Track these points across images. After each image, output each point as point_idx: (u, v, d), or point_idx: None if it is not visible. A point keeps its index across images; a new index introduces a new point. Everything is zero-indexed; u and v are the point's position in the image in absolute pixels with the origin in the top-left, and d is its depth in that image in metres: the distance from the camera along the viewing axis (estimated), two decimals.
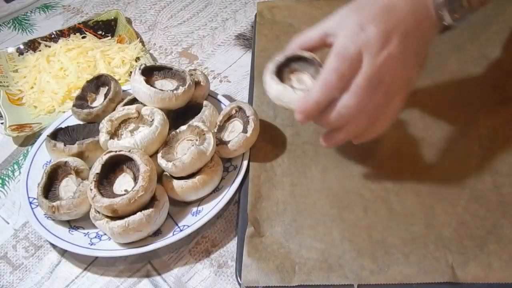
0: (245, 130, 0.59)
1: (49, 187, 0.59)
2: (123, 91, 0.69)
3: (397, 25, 0.48)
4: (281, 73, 0.52)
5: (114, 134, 0.59)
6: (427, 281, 0.47)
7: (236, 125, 0.62)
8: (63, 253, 0.58)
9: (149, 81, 0.61)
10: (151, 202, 0.54)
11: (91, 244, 0.55)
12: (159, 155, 0.57)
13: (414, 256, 0.49)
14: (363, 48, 0.47)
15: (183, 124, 0.60)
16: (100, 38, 0.85)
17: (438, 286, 0.48)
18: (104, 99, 0.65)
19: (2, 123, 0.72)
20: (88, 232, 0.56)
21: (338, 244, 0.50)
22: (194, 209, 0.57)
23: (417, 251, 0.49)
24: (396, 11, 0.49)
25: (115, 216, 0.53)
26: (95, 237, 0.56)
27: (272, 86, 0.51)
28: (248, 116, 0.60)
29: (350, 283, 0.47)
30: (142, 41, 0.84)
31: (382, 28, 0.48)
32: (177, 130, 0.59)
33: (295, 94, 0.50)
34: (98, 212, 0.54)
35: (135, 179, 0.54)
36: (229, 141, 0.59)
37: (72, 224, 0.58)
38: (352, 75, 0.47)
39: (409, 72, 0.50)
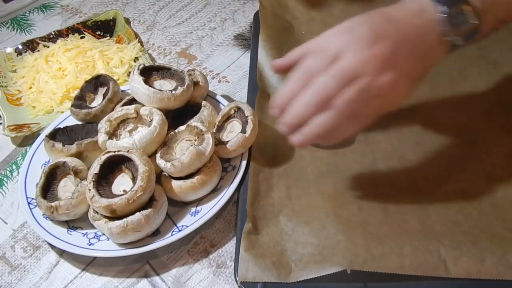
0: (243, 130, 0.59)
1: (48, 188, 0.58)
2: (122, 91, 0.68)
3: (392, 31, 0.45)
4: None
5: (112, 134, 0.59)
6: (420, 274, 0.47)
7: (234, 125, 0.62)
8: (62, 253, 0.58)
9: (147, 81, 0.61)
10: (150, 202, 0.54)
11: (90, 245, 0.55)
12: (158, 155, 0.57)
13: (407, 248, 0.49)
14: (346, 48, 0.44)
15: (182, 124, 0.60)
16: (98, 38, 0.85)
17: (430, 279, 0.48)
18: (103, 99, 0.65)
19: (0, 123, 0.72)
20: (86, 233, 0.56)
21: (332, 237, 0.51)
22: (193, 209, 0.57)
23: (410, 243, 0.49)
24: (396, 21, 0.46)
25: (114, 216, 0.52)
26: (94, 237, 0.56)
27: None
28: (246, 116, 0.60)
29: (343, 269, 0.48)
30: (140, 41, 0.85)
31: (374, 30, 0.44)
32: (176, 130, 0.59)
33: None
34: (97, 212, 0.54)
35: (134, 179, 0.54)
36: (227, 141, 0.59)
37: (70, 224, 0.57)
38: (324, 71, 0.45)
39: (397, 79, 0.45)
